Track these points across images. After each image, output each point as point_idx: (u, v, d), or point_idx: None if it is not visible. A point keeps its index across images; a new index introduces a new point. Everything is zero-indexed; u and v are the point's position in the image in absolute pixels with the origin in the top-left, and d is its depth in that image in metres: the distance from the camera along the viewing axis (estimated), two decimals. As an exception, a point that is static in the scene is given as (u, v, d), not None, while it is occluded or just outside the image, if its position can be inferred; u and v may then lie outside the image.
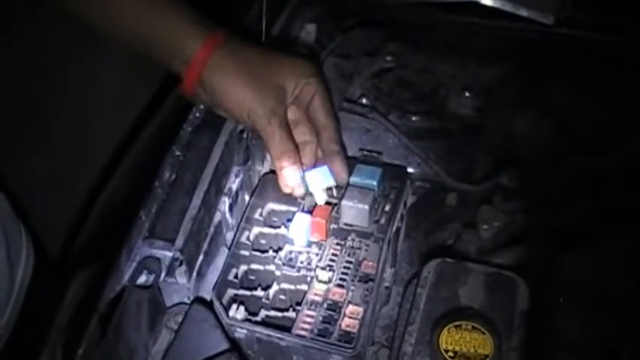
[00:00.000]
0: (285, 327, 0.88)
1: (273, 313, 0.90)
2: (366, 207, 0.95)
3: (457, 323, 0.80)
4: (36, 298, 0.87)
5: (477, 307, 0.87)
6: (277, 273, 0.93)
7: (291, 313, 0.89)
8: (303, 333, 0.87)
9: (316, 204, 0.97)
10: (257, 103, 0.94)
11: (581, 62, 1.18)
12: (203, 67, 0.95)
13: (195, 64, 0.95)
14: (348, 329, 0.87)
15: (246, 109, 0.95)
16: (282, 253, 0.94)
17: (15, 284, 0.98)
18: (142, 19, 0.95)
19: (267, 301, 0.91)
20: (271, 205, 1.00)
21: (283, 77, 0.97)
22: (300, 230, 0.94)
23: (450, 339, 0.79)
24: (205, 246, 0.99)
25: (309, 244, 0.96)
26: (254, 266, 0.94)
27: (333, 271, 0.93)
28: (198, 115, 1.05)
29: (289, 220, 0.96)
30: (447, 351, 0.78)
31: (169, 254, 0.93)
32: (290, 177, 0.96)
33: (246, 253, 0.95)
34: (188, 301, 0.95)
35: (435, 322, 0.84)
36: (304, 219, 0.95)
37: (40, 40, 1.08)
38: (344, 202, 0.95)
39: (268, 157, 1.08)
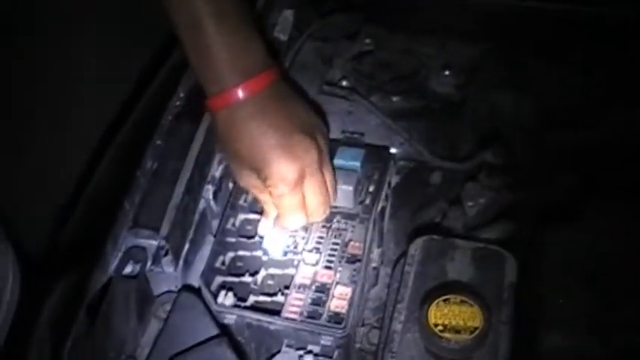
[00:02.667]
0: (275, 311, 0.88)
1: (262, 298, 0.90)
2: (351, 188, 0.95)
3: (445, 297, 0.80)
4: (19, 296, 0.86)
5: (465, 281, 0.87)
6: (264, 258, 0.93)
7: (279, 298, 0.89)
8: (292, 316, 0.87)
9: None
10: (285, 165, 0.89)
11: (560, 37, 1.18)
12: (230, 104, 0.89)
13: (224, 98, 0.89)
14: (337, 310, 0.87)
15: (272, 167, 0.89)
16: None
17: None
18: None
19: (255, 287, 0.91)
20: (255, 192, 1.00)
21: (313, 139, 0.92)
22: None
23: (438, 313, 0.79)
24: (191, 234, 0.99)
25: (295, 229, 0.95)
26: (241, 252, 0.94)
27: (320, 253, 0.93)
28: (178, 103, 1.05)
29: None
30: (436, 325, 0.78)
31: (155, 243, 0.92)
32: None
33: (232, 239, 0.95)
34: (176, 290, 0.95)
35: (422, 298, 0.84)
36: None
37: (19, 31, 1.07)
38: (328, 184, 0.95)
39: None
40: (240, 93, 0.88)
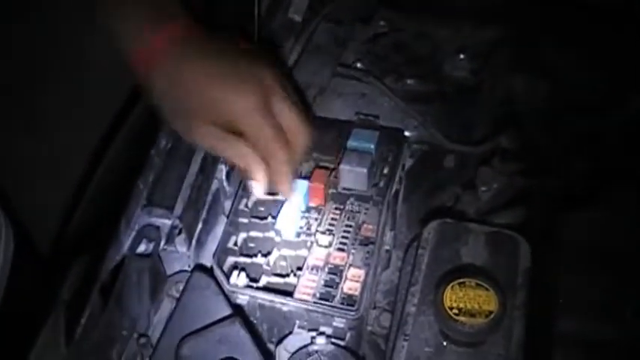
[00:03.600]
0: (287, 292, 0.88)
1: (274, 279, 0.90)
2: (365, 170, 0.95)
3: (460, 280, 0.80)
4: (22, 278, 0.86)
5: (480, 265, 0.86)
6: (277, 239, 0.93)
7: (292, 279, 0.89)
8: (305, 297, 0.87)
9: (314, 169, 0.97)
10: (245, 89, 0.86)
11: (577, 21, 1.17)
12: (159, 57, 0.87)
13: (150, 54, 0.87)
14: (349, 292, 0.87)
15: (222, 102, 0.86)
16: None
17: None
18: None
19: (267, 268, 0.90)
20: (269, 172, 0.99)
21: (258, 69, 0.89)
22: (299, 195, 0.94)
23: (454, 296, 0.78)
24: (204, 214, 0.99)
25: (308, 209, 0.95)
26: (253, 233, 0.94)
27: (333, 235, 0.93)
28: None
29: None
30: (451, 308, 0.78)
31: (168, 222, 0.92)
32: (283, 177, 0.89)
33: (244, 220, 0.94)
34: (189, 269, 0.95)
35: (437, 281, 0.84)
36: (302, 185, 0.94)
37: (30, 16, 1.07)
38: (342, 167, 0.95)
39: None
40: (164, 42, 0.86)
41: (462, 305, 0.78)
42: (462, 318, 0.77)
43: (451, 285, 0.79)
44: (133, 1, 0.87)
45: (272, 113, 0.86)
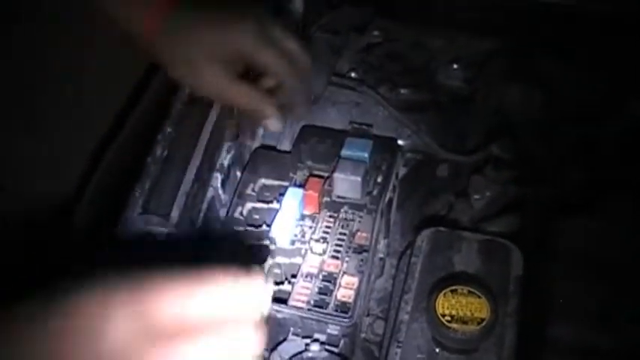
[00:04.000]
0: (282, 299, 0.88)
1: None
2: (359, 179, 0.95)
3: (453, 288, 0.80)
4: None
5: (472, 272, 0.87)
6: (271, 247, 0.93)
7: (286, 286, 0.90)
8: (299, 304, 0.88)
9: (308, 177, 0.98)
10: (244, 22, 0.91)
11: (569, 31, 1.18)
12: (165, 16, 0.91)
13: (157, 14, 0.90)
14: (343, 299, 0.88)
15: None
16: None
17: None
18: None
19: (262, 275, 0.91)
20: (263, 181, 1.00)
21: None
22: (293, 203, 0.94)
23: (446, 303, 0.79)
24: (199, 222, 0.99)
25: (303, 217, 0.96)
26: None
27: (327, 242, 0.93)
28: (188, 91, 1.05)
29: (281, 195, 0.97)
30: (443, 315, 0.79)
31: (165, 230, 0.93)
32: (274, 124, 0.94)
33: (240, 228, 0.95)
34: (184, 276, 0.95)
35: (430, 288, 0.84)
36: (297, 193, 0.95)
37: (29, 16, 1.07)
38: (336, 175, 0.96)
39: (259, 132, 1.09)
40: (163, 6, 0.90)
41: (454, 312, 0.79)
42: (454, 325, 0.78)
43: (443, 292, 0.80)
44: None
45: (272, 38, 0.91)
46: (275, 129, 0.96)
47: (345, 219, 0.96)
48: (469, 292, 0.80)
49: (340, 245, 0.93)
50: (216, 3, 0.93)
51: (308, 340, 0.87)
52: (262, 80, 0.96)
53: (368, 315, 0.95)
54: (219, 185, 1.01)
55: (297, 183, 0.98)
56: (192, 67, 0.91)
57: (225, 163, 1.03)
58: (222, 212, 1.02)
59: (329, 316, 0.86)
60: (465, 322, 0.78)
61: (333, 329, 0.86)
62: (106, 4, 0.91)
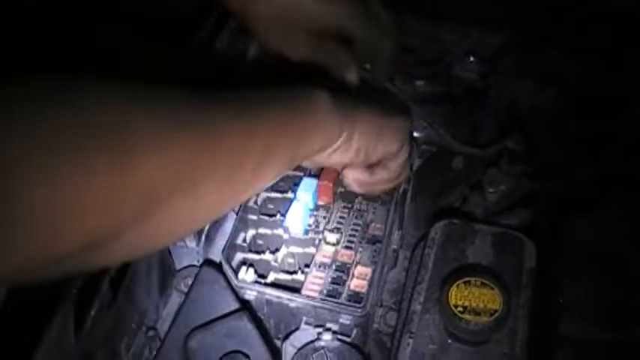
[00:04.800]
0: (295, 288, 0.88)
1: (282, 275, 0.91)
2: (373, 170, 0.95)
3: (466, 279, 0.80)
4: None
5: (485, 264, 0.87)
6: (285, 236, 0.94)
7: (299, 276, 0.90)
8: (312, 294, 0.88)
9: (322, 168, 0.98)
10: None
11: (585, 28, 1.18)
12: None
13: None
14: (356, 289, 0.88)
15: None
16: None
17: None
18: None
19: (275, 264, 0.91)
20: (278, 170, 1.00)
21: None
22: (308, 193, 0.94)
23: (459, 294, 0.79)
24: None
25: (317, 207, 0.96)
26: (262, 230, 0.95)
27: (341, 233, 0.94)
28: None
29: (296, 185, 0.97)
30: (456, 306, 0.79)
31: None
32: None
33: (254, 217, 0.95)
34: (198, 264, 0.96)
35: (443, 279, 0.85)
36: (311, 183, 0.95)
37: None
38: (351, 165, 0.96)
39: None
40: None
41: (466, 303, 0.79)
42: (466, 316, 0.78)
43: (457, 283, 0.80)
44: None
45: (373, 14, 0.91)
46: (355, 80, 0.92)
47: (359, 210, 0.96)
48: (482, 283, 0.80)
49: (354, 236, 0.94)
50: None
51: (320, 330, 0.87)
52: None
53: (381, 306, 0.95)
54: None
55: (312, 173, 0.98)
56: (281, 36, 0.90)
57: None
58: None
59: (342, 306, 0.86)
60: (477, 314, 0.78)
61: (345, 319, 0.87)
62: None
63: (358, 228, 0.94)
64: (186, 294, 0.90)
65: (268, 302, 0.89)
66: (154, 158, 0.52)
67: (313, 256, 0.92)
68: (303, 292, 0.88)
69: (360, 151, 0.79)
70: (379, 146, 0.81)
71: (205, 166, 0.58)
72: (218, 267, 0.91)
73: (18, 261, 0.47)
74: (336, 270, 0.90)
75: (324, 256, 0.92)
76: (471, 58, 1.19)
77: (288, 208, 0.94)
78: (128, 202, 0.51)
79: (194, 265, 0.96)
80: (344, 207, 0.96)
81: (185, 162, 0.55)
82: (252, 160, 0.63)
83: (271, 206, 0.97)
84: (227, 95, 0.62)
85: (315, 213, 0.96)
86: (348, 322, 0.87)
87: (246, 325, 0.84)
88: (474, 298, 0.79)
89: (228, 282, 0.89)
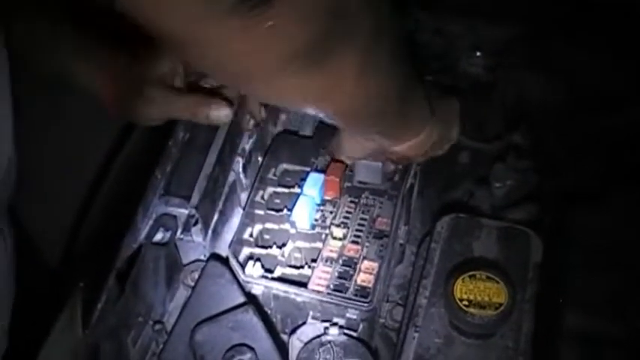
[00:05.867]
0: (302, 283, 0.89)
1: (289, 270, 0.91)
2: (380, 164, 0.96)
3: (471, 273, 0.81)
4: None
5: (491, 258, 0.87)
6: (292, 231, 0.94)
7: (306, 271, 0.90)
8: (319, 288, 0.88)
9: (329, 162, 0.98)
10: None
11: (591, 21, 1.17)
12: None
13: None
14: (363, 284, 0.88)
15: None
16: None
17: None
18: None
19: (282, 259, 0.92)
20: (284, 165, 1.00)
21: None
22: (314, 188, 0.95)
23: (464, 288, 0.80)
24: (220, 205, 1.00)
25: (323, 202, 0.96)
26: (269, 225, 0.95)
27: (348, 227, 0.94)
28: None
29: (303, 180, 0.97)
30: (461, 300, 0.79)
31: (185, 211, 0.93)
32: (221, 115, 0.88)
33: (260, 212, 0.95)
34: (204, 259, 0.96)
35: (448, 273, 0.85)
36: (318, 178, 0.96)
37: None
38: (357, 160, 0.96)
39: (282, 117, 1.09)
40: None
41: (472, 297, 0.79)
42: (471, 310, 0.78)
43: (462, 277, 0.81)
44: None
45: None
46: (227, 119, 0.89)
47: (366, 204, 0.96)
48: (487, 277, 0.80)
49: (360, 230, 0.94)
50: None
51: (327, 324, 0.87)
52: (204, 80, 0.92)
53: (387, 301, 0.95)
54: (240, 169, 1.02)
55: (319, 168, 0.99)
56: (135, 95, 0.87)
57: (247, 147, 1.03)
58: (244, 196, 1.03)
59: (348, 301, 0.86)
60: (482, 307, 0.78)
61: (352, 313, 0.87)
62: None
63: (365, 223, 0.94)
64: (193, 288, 0.90)
65: (275, 297, 0.89)
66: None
67: (320, 250, 0.92)
68: (310, 286, 0.88)
69: (418, 156, 0.92)
70: (430, 152, 0.92)
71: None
72: (225, 261, 0.92)
73: None
74: (342, 265, 0.90)
75: (331, 251, 0.92)
76: (478, 53, 1.18)
77: (295, 203, 0.94)
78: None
79: (201, 260, 0.96)
80: (350, 201, 0.96)
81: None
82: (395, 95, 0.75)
83: (278, 201, 0.97)
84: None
85: (321, 208, 0.96)
86: (354, 317, 0.87)
87: (252, 318, 0.84)
88: (479, 291, 0.79)
89: (235, 276, 0.89)
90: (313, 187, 0.95)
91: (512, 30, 1.21)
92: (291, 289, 0.88)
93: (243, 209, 0.97)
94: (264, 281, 0.89)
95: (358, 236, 0.93)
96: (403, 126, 0.84)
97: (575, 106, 1.11)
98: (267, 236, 0.94)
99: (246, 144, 1.04)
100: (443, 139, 0.93)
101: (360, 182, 0.97)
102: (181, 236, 0.94)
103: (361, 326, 0.87)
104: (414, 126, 0.86)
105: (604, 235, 0.92)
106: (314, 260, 0.91)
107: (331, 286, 0.88)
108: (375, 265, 0.90)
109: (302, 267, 0.91)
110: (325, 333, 0.86)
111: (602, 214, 0.95)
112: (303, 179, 0.97)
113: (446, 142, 0.95)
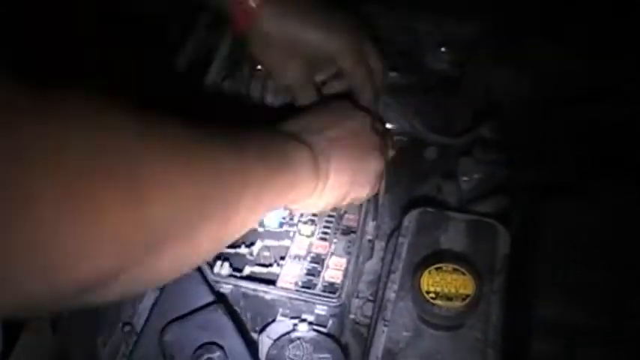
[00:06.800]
0: (270, 281, 0.89)
1: (257, 268, 0.91)
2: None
3: (438, 265, 0.81)
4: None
5: (458, 251, 0.88)
6: (260, 230, 0.94)
7: (275, 269, 0.91)
8: (287, 286, 0.88)
9: None
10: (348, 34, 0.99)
11: (558, 13, 1.18)
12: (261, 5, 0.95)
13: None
14: (331, 280, 0.89)
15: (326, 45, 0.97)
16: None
17: None
18: None
19: (251, 258, 0.92)
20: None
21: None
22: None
23: (430, 280, 0.80)
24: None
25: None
26: (237, 224, 0.95)
27: (316, 225, 0.94)
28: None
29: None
30: (428, 292, 0.79)
31: None
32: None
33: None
34: (173, 259, 0.96)
35: (416, 267, 0.85)
36: None
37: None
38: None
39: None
40: None
41: (438, 289, 0.79)
42: (438, 302, 0.79)
43: (428, 270, 0.81)
44: None
45: (364, 56, 1.00)
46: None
47: (333, 201, 0.96)
48: (454, 269, 0.81)
49: (328, 227, 0.94)
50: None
51: (296, 321, 0.87)
52: (334, 82, 1.04)
53: (358, 297, 0.95)
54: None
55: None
56: (278, 59, 0.99)
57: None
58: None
59: (317, 297, 0.87)
60: (449, 299, 0.79)
61: (321, 309, 0.87)
62: None
63: (332, 220, 0.95)
64: (162, 289, 0.90)
65: (244, 295, 0.89)
66: (163, 199, 0.54)
67: (288, 248, 0.92)
68: (279, 284, 0.89)
69: (329, 204, 0.88)
70: (348, 196, 0.89)
71: (206, 210, 0.61)
72: (193, 261, 0.91)
73: (21, 295, 0.47)
74: (311, 261, 0.91)
75: (299, 248, 0.92)
76: (443, 49, 1.19)
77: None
78: (135, 242, 0.53)
79: (169, 260, 0.96)
80: (318, 199, 0.97)
81: (188, 206, 0.58)
82: (245, 206, 0.68)
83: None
84: (230, 144, 0.68)
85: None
86: (323, 313, 0.87)
87: (221, 317, 0.84)
88: (445, 283, 0.79)
89: (204, 276, 0.89)
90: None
91: (479, 24, 1.21)
92: (260, 287, 0.88)
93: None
94: (232, 280, 0.89)
95: (326, 233, 0.94)
96: (258, 201, 0.74)
97: (543, 99, 1.12)
98: (235, 235, 0.94)
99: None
100: (346, 191, 0.89)
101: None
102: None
103: (330, 322, 0.88)
104: (273, 195, 0.77)
105: (574, 227, 0.93)
106: (282, 258, 0.91)
107: (300, 283, 0.89)
108: (343, 261, 0.90)
109: (271, 265, 0.91)
110: (294, 329, 0.86)
111: (572, 205, 0.95)
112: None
113: (362, 189, 0.91)
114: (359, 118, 0.92)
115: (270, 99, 1.09)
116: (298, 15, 0.96)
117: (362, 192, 0.90)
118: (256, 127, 0.79)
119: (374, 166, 0.90)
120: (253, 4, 0.94)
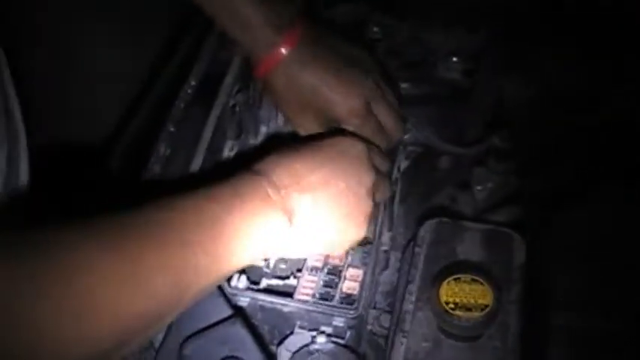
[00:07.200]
0: (288, 293, 0.89)
1: (274, 281, 0.92)
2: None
3: (456, 276, 0.81)
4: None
5: (476, 261, 0.88)
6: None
7: (292, 281, 0.91)
8: (305, 298, 0.89)
9: None
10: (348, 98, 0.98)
11: (566, 23, 1.18)
12: (279, 63, 0.97)
13: (271, 60, 0.97)
14: (349, 291, 0.89)
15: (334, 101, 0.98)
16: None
17: None
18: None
19: (267, 270, 0.92)
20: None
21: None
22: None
23: (449, 291, 0.80)
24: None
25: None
26: (253, 237, 0.95)
27: (332, 236, 0.94)
28: (190, 91, 1.06)
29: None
30: (447, 303, 0.79)
31: None
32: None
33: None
34: (189, 273, 0.96)
35: (433, 277, 0.85)
36: None
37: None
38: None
39: (262, 129, 1.09)
40: (284, 50, 0.96)
41: (457, 300, 0.79)
42: (458, 312, 0.78)
43: (447, 281, 0.81)
44: (252, 11, 0.95)
45: (372, 113, 1.00)
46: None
47: (349, 213, 0.96)
48: (472, 279, 0.81)
49: (344, 238, 0.94)
50: (340, 47, 1.01)
51: (314, 333, 0.87)
52: None
53: (375, 308, 0.95)
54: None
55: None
56: (293, 105, 1.00)
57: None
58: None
59: (334, 308, 0.87)
60: (468, 309, 0.78)
61: (338, 321, 0.87)
62: (228, 28, 0.98)
63: (348, 231, 0.95)
64: (180, 303, 0.90)
65: (262, 308, 0.90)
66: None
67: (305, 260, 0.92)
68: (296, 296, 0.89)
69: (310, 247, 0.89)
70: (338, 240, 0.89)
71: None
72: (210, 275, 0.91)
73: None
74: (327, 273, 0.91)
75: (316, 260, 0.93)
76: (454, 58, 1.19)
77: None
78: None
79: (186, 275, 0.96)
80: (333, 210, 0.97)
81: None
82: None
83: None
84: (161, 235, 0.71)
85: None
86: (341, 325, 0.88)
87: (239, 330, 0.84)
88: (464, 294, 0.79)
89: (221, 289, 0.89)
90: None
91: (489, 34, 1.21)
92: (278, 300, 0.88)
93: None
94: (250, 293, 0.89)
95: (342, 244, 0.93)
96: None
97: (554, 107, 1.12)
98: (251, 249, 0.94)
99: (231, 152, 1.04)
100: (331, 236, 0.88)
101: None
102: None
103: (348, 333, 0.88)
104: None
105: (587, 234, 0.93)
106: (299, 270, 0.92)
107: (317, 295, 0.89)
108: (360, 272, 0.91)
109: (287, 277, 0.91)
110: (313, 342, 0.86)
111: (585, 212, 0.96)
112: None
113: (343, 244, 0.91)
114: (353, 154, 0.89)
115: (282, 117, 1.09)
116: (314, 63, 0.98)
117: (351, 235, 0.89)
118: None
119: (363, 207, 0.88)
120: (284, 51, 0.96)
